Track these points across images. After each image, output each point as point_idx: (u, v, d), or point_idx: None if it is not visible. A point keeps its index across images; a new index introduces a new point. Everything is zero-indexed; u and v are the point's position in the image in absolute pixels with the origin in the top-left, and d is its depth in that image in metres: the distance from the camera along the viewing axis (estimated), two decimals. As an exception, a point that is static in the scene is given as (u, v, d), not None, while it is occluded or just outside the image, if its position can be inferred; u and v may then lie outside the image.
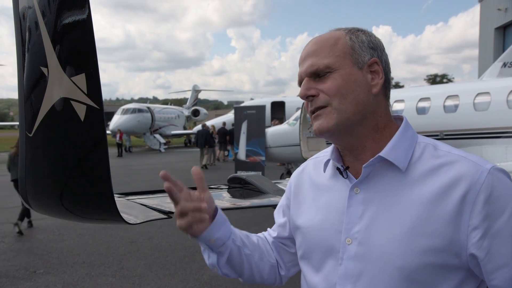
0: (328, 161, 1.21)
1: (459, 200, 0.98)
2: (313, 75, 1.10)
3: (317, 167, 1.27)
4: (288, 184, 1.39)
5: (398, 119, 1.18)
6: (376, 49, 1.13)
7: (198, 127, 27.63)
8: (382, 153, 1.06)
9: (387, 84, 1.14)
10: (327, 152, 1.23)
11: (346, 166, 1.15)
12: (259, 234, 1.44)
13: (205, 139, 18.93)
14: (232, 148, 19.26)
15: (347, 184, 1.13)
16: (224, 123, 21.53)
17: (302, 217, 1.24)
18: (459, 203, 0.98)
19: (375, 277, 1.04)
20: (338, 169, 1.16)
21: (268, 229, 1.46)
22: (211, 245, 1.17)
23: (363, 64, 1.09)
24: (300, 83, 1.14)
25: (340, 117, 1.07)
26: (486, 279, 1.00)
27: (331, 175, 1.20)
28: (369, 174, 1.09)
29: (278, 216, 1.41)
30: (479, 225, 0.96)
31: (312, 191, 1.25)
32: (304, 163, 1.38)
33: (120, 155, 25.30)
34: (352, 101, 1.07)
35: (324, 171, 1.22)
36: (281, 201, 1.42)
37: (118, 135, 25.61)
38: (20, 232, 7.33)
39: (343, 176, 1.14)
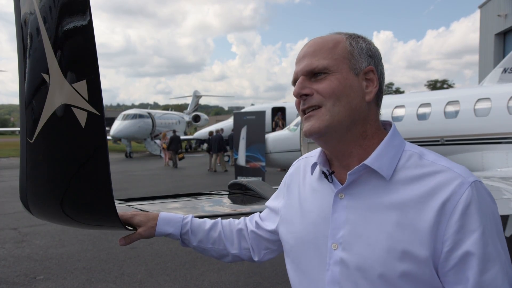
0: (315, 163, 1.22)
1: (437, 209, 0.98)
2: (309, 75, 1.11)
3: (307, 168, 1.28)
4: (282, 183, 1.42)
5: (388, 125, 1.18)
6: (374, 57, 1.14)
7: (200, 132, 27.58)
8: (367, 162, 1.07)
9: (380, 94, 1.15)
10: (316, 152, 1.24)
11: (332, 170, 1.16)
12: (235, 224, 1.51)
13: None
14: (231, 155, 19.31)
15: (332, 189, 1.14)
16: (218, 130, 21.27)
17: (291, 222, 1.26)
18: (438, 212, 0.98)
19: (359, 283, 1.04)
20: (324, 173, 1.17)
21: (258, 215, 1.49)
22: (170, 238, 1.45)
23: (359, 70, 1.11)
24: (294, 82, 1.15)
25: (332, 119, 1.08)
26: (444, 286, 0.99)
27: (318, 177, 1.22)
28: (354, 180, 1.10)
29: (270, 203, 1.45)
30: (451, 236, 0.96)
31: (301, 194, 1.26)
32: (296, 162, 1.39)
33: None
34: (345, 105, 1.08)
35: (312, 173, 1.24)
36: (273, 196, 1.45)
37: None
38: None
39: (328, 180, 1.15)
